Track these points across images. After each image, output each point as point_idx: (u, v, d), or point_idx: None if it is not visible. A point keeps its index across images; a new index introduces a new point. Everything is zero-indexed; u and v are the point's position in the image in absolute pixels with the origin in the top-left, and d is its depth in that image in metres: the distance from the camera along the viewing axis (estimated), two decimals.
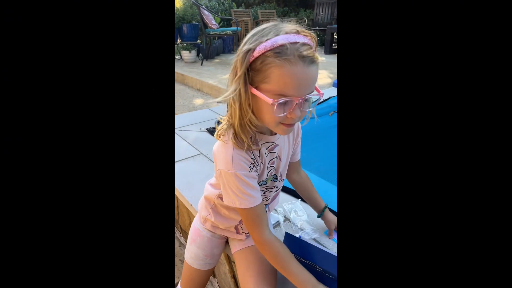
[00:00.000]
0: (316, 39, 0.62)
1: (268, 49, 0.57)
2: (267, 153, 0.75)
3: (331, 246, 1.07)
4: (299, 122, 0.80)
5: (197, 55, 5.14)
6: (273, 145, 0.76)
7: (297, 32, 0.60)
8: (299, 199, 1.32)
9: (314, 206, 1.04)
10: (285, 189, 1.40)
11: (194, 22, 5.42)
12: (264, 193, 0.83)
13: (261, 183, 0.78)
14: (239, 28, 5.09)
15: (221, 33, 4.88)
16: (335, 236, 1.07)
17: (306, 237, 1.10)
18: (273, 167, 0.79)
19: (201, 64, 4.74)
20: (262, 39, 0.59)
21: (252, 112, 0.64)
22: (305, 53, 0.57)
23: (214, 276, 1.30)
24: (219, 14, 5.90)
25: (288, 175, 0.96)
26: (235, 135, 0.67)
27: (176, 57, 5.20)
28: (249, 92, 0.61)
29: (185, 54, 4.97)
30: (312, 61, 0.59)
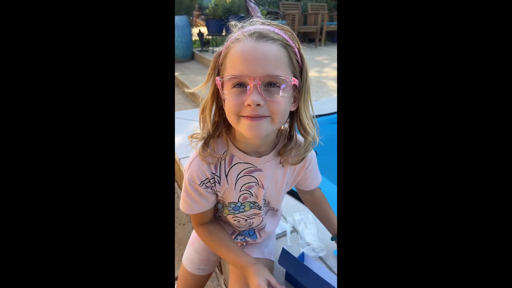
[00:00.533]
0: (292, 32, 0.58)
1: (230, 42, 0.56)
2: (241, 174, 0.67)
3: (335, 269, 0.96)
4: (308, 155, 0.70)
5: None
6: (251, 168, 0.67)
7: (263, 24, 0.57)
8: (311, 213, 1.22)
9: (329, 228, 0.93)
10: (298, 197, 1.31)
11: (241, 14, 5.40)
12: (246, 220, 0.77)
13: (235, 208, 0.72)
14: (284, 21, 4.96)
15: None
16: None
17: (311, 254, 1.00)
18: (248, 192, 0.70)
19: None
20: (229, 37, 0.57)
21: (223, 113, 0.61)
22: (253, 30, 0.54)
23: (222, 272, 1.26)
24: (266, 6, 5.82)
25: (300, 195, 0.88)
26: (205, 143, 0.63)
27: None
28: (219, 93, 0.59)
29: None
30: (261, 36, 0.53)
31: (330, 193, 1.29)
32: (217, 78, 0.56)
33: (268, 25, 0.57)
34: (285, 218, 1.17)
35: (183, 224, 1.54)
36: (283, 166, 0.69)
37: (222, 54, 0.58)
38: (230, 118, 0.57)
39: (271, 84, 0.53)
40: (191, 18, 4.25)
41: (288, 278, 0.88)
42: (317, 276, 0.74)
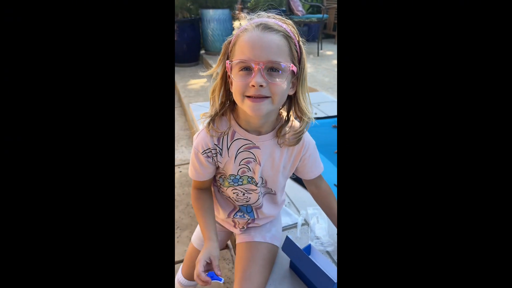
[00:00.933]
0: (294, 26, 0.67)
1: (239, 32, 0.65)
2: (241, 149, 0.76)
3: None
4: (307, 137, 0.80)
5: None
6: (250, 145, 0.76)
7: (268, 17, 0.66)
8: None
9: (334, 222, 0.96)
10: None
11: (282, 8, 5.38)
12: (244, 194, 0.84)
13: (235, 180, 0.81)
14: (326, 15, 4.86)
15: (306, 20, 4.74)
16: None
17: (319, 247, 1.04)
18: (246, 167, 0.79)
19: None
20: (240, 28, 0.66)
21: (230, 95, 0.71)
22: (260, 21, 0.63)
23: (234, 245, 1.33)
24: (308, 0, 5.72)
25: (306, 186, 0.93)
26: (211, 120, 0.74)
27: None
28: (228, 76, 0.68)
29: None
30: (266, 27, 0.62)
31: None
32: (227, 61, 0.66)
33: (273, 18, 0.66)
34: (298, 211, 1.21)
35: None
36: (280, 147, 0.77)
37: (232, 41, 0.67)
38: (236, 97, 0.66)
39: (272, 69, 0.63)
40: (234, 11, 4.34)
41: (292, 266, 0.92)
42: (316, 266, 0.78)
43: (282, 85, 0.63)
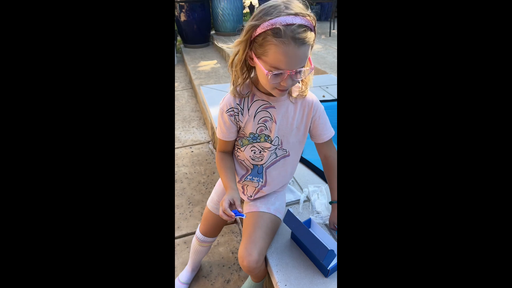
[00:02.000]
0: (315, 19, 0.74)
1: (268, 28, 0.70)
2: (259, 109, 0.90)
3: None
4: (315, 101, 0.94)
5: None
6: (267, 105, 0.90)
7: (296, 14, 0.70)
8: (326, 185, 1.32)
9: (331, 191, 1.06)
10: (316, 170, 1.42)
11: None
12: (260, 152, 0.97)
13: (253, 138, 0.94)
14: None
15: None
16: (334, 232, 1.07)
17: (319, 221, 1.13)
18: (264, 125, 0.92)
19: None
20: (266, 17, 0.71)
21: (250, 68, 0.83)
22: (298, 36, 0.70)
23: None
24: None
25: (318, 153, 1.06)
26: (235, 87, 0.87)
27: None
28: (251, 56, 0.77)
29: None
30: (303, 42, 0.71)
31: None
32: (256, 59, 0.76)
33: (306, 17, 0.71)
34: (301, 189, 1.30)
35: None
36: (293, 103, 0.91)
37: (258, 32, 0.72)
38: (266, 85, 0.80)
39: (298, 71, 0.76)
40: None
41: (293, 237, 1.03)
42: (313, 236, 0.88)
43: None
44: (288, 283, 0.88)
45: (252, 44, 0.75)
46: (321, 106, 0.96)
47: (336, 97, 2.23)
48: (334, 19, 4.55)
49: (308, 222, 1.06)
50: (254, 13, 0.75)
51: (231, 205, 0.86)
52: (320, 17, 5.45)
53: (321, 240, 0.86)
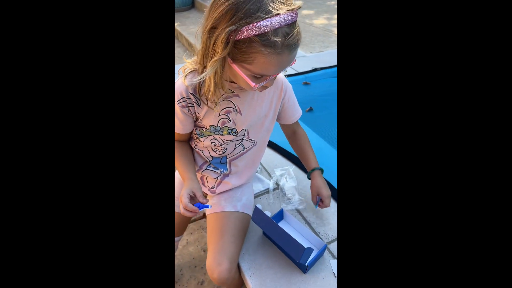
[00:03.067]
0: (300, 6, 0.59)
1: (255, 34, 0.55)
2: (221, 99, 0.73)
3: (313, 221, 1.01)
4: (284, 81, 0.83)
5: None
6: (230, 93, 0.74)
7: (286, 11, 0.55)
8: (294, 166, 1.24)
9: (306, 165, 0.98)
10: (282, 151, 1.33)
11: None
12: (221, 145, 0.84)
13: (215, 130, 0.80)
14: None
15: None
16: (319, 204, 0.98)
17: (291, 208, 1.05)
18: (227, 117, 0.78)
19: None
20: (248, 19, 0.54)
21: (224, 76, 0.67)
22: (292, 41, 0.57)
23: None
24: None
25: (284, 131, 0.98)
26: (191, 72, 0.71)
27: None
28: (227, 63, 0.62)
29: None
30: (296, 47, 0.60)
31: (329, 158, 1.31)
32: (235, 64, 0.61)
33: (290, 9, 0.56)
34: (270, 176, 1.21)
35: None
36: (259, 91, 0.75)
37: (240, 38, 0.56)
38: (242, 86, 0.67)
39: None
40: None
41: (264, 233, 0.94)
42: (286, 234, 0.79)
43: None
44: (264, 287, 0.80)
45: (229, 48, 0.58)
46: (290, 86, 0.86)
47: (298, 71, 2.12)
48: None
49: (281, 213, 0.98)
50: (226, 7, 0.55)
51: (192, 198, 0.73)
52: None
53: (295, 238, 0.77)
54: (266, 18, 0.54)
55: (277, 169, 1.21)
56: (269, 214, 0.92)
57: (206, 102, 0.74)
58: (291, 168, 1.20)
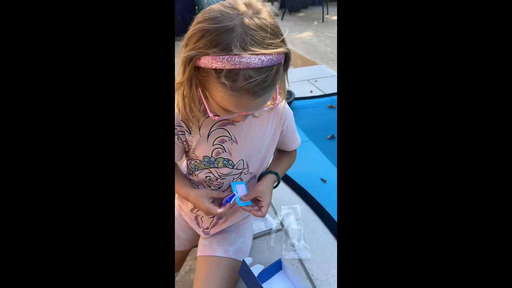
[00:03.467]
0: (286, 48, 0.52)
1: (211, 67, 0.49)
2: (214, 127, 0.67)
3: (316, 276, 0.85)
4: (285, 109, 0.73)
5: (280, 8, 4.74)
6: (224, 121, 0.67)
7: (261, 54, 0.48)
8: (304, 204, 1.10)
9: (269, 167, 0.84)
10: (293, 185, 1.19)
11: None
12: (217, 179, 0.75)
13: (209, 162, 0.72)
14: None
15: None
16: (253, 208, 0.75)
17: (292, 256, 0.91)
18: (221, 147, 0.70)
19: (281, 19, 4.36)
20: (208, 50, 0.48)
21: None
22: (254, 87, 0.49)
23: None
24: None
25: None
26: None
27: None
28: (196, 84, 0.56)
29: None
30: (262, 94, 0.51)
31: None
32: (200, 90, 0.56)
33: (269, 51, 0.48)
34: (275, 213, 1.07)
35: None
36: (256, 117, 0.69)
37: (199, 64, 0.51)
38: (219, 114, 0.59)
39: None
40: None
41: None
42: None
43: None
44: None
45: (190, 72, 0.53)
46: (291, 112, 0.76)
47: (325, 92, 1.98)
48: (328, 3, 4.25)
49: (279, 264, 0.84)
50: (195, 30, 0.51)
51: (213, 201, 0.69)
52: (314, 2, 5.14)
53: None
54: (224, 55, 0.47)
55: (284, 206, 1.07)
56: (261, 267, 0.78)
57: (199, 130, 0.67)
58: (300, 206, 1.06)
